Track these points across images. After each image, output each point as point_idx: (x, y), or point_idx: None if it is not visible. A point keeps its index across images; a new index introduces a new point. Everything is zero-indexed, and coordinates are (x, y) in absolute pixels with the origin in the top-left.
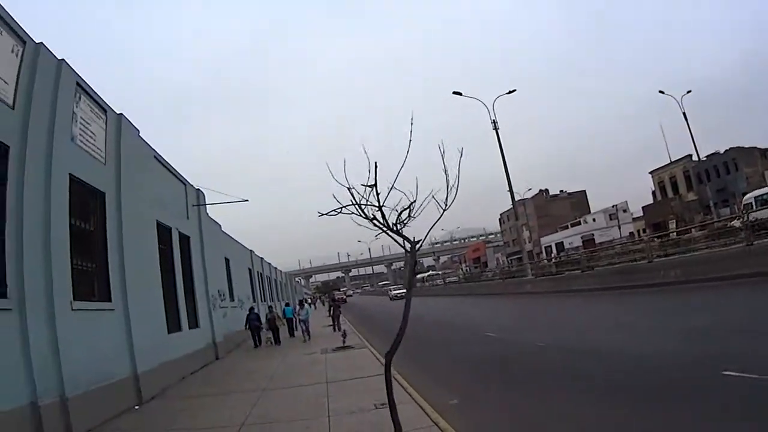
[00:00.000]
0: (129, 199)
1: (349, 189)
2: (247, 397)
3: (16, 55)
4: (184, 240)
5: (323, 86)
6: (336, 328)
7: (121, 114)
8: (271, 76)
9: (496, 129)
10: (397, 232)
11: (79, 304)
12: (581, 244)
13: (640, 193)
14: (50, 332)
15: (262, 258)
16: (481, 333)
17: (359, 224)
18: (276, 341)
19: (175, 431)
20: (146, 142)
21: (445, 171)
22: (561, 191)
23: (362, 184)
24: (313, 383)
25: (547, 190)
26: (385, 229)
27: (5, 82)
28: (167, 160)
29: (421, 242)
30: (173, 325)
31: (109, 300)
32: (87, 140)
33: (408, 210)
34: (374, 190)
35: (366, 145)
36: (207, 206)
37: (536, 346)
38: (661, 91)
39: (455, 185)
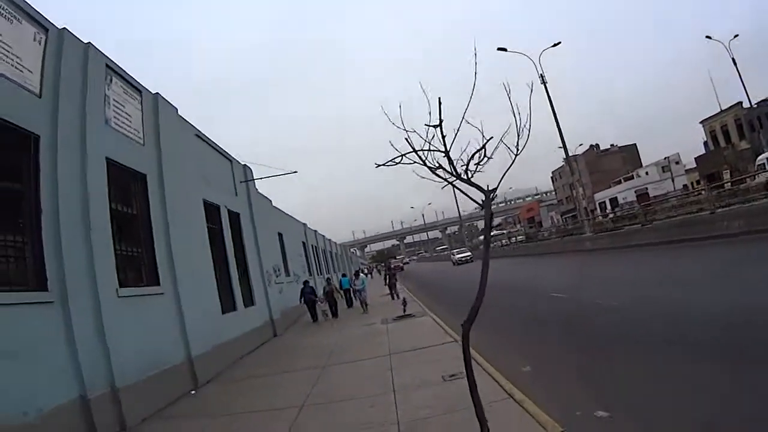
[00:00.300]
0: (172, 179)
1: (407, 134)
2: (307, 375)
3: (39, 43)
4: (234, 217)
5: (380, 55)
6: (394, 296)
7: (157, 93)
8: (326, 48)
9: (544, 83)
10: (468, 181)
11: (125, 290)
12: (635, 198)
13: (691, 145)
14: (96, 322)
15: (315, 231)
16: (546, 294)
17: (422, 177)
18: (334, 314)
19: (232, 415)
20: (186, 121)
21: (513, 112)
22: (611, 146)
23: (425, 124)
24: (375, 356)
25: (597, 145)
26: (453, 178)
27: (30, 71)
28: (211, 138)
29: (495, 191)
30: (228, 305)
31: (158, 284)
32: (122, 122)
33: (482, 151)
34: (439, 130)
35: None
36: (255, 182)
37: (606, 305)
38: (708, 37)
39: (527, 125)
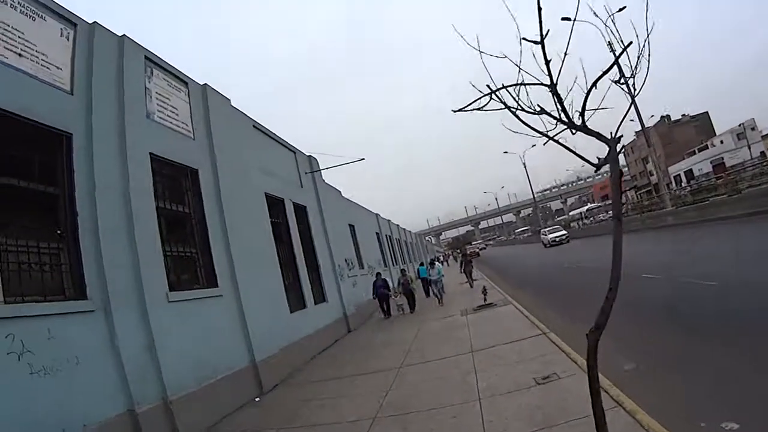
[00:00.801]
0: (227, 173)
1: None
2: (380, 379)
3: (67, 39)
4: (300, 210)
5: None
6: (471, 283)
7: (206, 84)
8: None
9: (613, 51)
10: (584, 128)
11: (176, 294)
12: (711, 169)
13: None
14: (144, 330)
15: (388, 220)
16: (636, 274)
17: (514, 132)
18: (412, 308)
19: (296, 429)
20: (242, 112)
21: (622, 44)
22: (683, 115)
23: (523, 38)
24: (456, 354)
25: (668, 116)
26: (562, 125)
27: (59, 68)
28: (271, 130)
29: (620, 140)
30: (296, 303)
31: (215, 285)
32: (168, 116)
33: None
34: (541, 49)
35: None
36: (322, 172)
37: (706, 285)
38: None
39: (647, 54)
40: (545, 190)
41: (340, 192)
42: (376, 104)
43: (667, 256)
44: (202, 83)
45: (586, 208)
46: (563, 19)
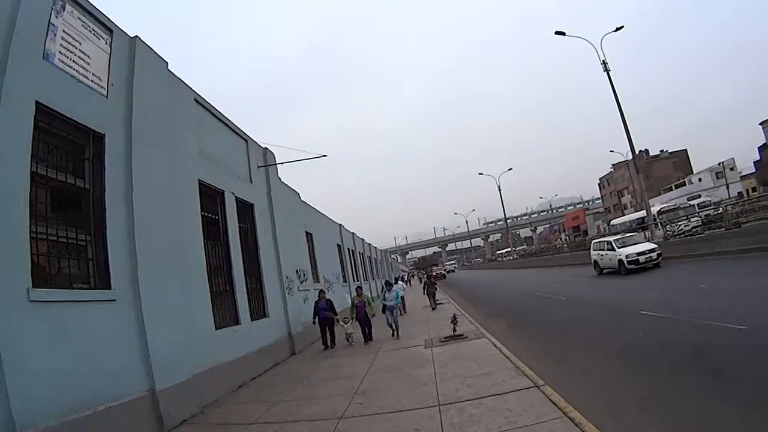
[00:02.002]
0: (146, 146)
1: None
2: None
3: None
4: (246, 208)
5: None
6: (433, 306)
7: (137, 37)
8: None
9: (607, 70)
10: None
11: (45, 293)
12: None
13: (742, 151)
14: None
15: (353, 233)
16: (634, 311)
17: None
18: (367, 337)
19: None
20: (182, 81)
21: None
22: (661, 151)
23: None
24: (418, 407)
25: (647, 151)
26: None
27: None
28: (222, 112)
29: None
30: (225, 317)
31: (108, 286)
32: (75, 62)
33: None
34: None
35: None
36: (279, 170)
37: (730, 328)
38: None
39: None
40: (516, 217)
41: (298, 195)
42: (350, 120)
43: (665, 292)
44: (133, 35)
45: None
46: (557, 32)
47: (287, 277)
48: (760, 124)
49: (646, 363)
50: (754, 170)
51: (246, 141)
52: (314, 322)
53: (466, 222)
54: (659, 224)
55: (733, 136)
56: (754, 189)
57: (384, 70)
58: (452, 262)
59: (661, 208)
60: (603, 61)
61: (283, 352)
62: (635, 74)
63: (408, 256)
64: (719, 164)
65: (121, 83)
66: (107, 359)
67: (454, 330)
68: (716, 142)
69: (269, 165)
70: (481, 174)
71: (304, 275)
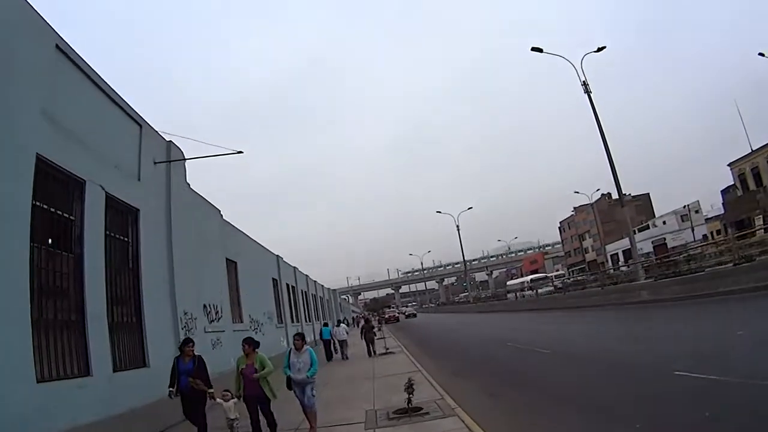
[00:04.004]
0: None
1: None
2: None
3: None
4: (125, 212)
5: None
6: (372, 352)
7: None
8: (329, 93)
9: (588, 92)
10: None
11: None
12: (652, 249)
13: (706, 193)
14: None
15: (295, 267)
16: (665, 372)
17: None
18: (270, 425)
19: None
20: (35, 11)
21: None
22: (624, 194)
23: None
24: None
25: (609, 194)
26: None
27: None
28: (105, 80)
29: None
30: (65, 363)
31: None
32: None
33: None
34: None
35: None
36: (186, 171)
37: None
38: (761, 54)
39: None
40: (472, 260)
41: (219, 212)
42: (303, 159)
43: (693, 342)
44: None
45: (529, 278)
46: (533, 49)
47: (186, 313)
48: (728, 165)
49: None
50: (722, 211)
51: (140, 126)
52: (172, 395)
53: (421, 263)
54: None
55: (694, 180)
56: (719, 232)
57: (343, 110)
58: (413, 304)
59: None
60: (583, 82)
61: (166, 417)
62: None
63: (360, 297)
64: (684, 207)
65: None
66: None
67: (409, 399)
68: (675, 186)
69: (171, 161)
70: (440, 212)
71: (217, 312)
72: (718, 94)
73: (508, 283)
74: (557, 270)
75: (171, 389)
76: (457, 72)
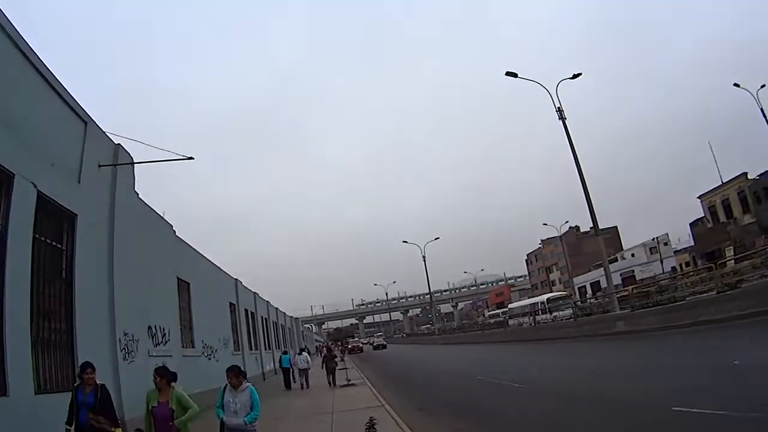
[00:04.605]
0: None
1: None
2: None
3: None
4: (60, 216)
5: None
6: (331, 383)
7: None
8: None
9: (562, 118)
10: None
11: None
12: (620, 281)
13: (670, 226)
14: None
15: (255, 293)
16: (662, 408)
17: None
18: None
19: None
20: None
21: None
22: (591, 227)
23: None
24: None
25: (578, 227)
26: None
27: None
28: (48, 67)
29: None
30: None
31: None
32: None
33: None
34: None
35: None
36: (135, 180)
37: None
38: (736, 84)
39: None
40: (437, 292)
41: (171, 228)
42: (270, 185)
43: (687, 373)
44: None
45: (546, 297)
46: (507, 73)
47: (126, 334)
48: (698, 197)
49: None
50: (691, 244)
51: (84, 123)
52: None
53: (386, 294)
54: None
55: (660, 213)
56: (687, 263)
57: (312, 136)
58: (380, 334)
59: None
60: (558, 108)
61: None
62: (561, 157)
63: (324, 326)
64: (653, 239)
65: None
66: None
67: None
68: (641, 219)
69: (118, 165)
70: (406, 242)
71: (165, 335)
72: (676, 130)
73: (510, 306)
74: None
75: (68, 427)
76: (422, 102)
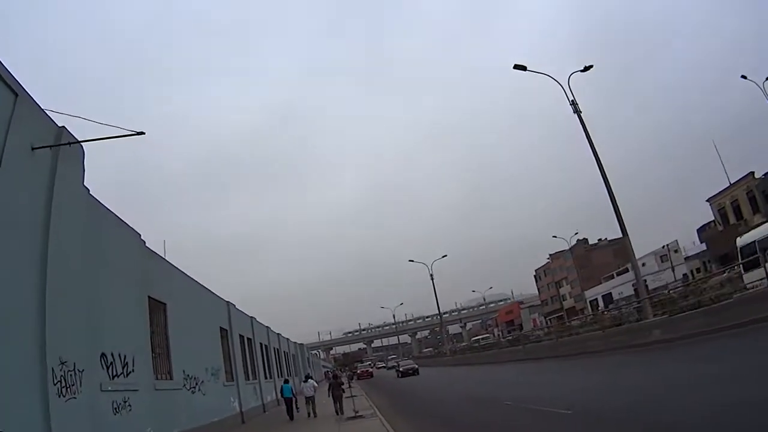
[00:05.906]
0: None
1: None
2: None
3: None
4: None
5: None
6: (339, 411)
7: None
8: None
9: (577, 112)
10: None
11: None
12: (633, 292)
13: (678, 233)
14: None
15: (252, 317)
16: None
17: None
18: None
19: None
20: None
21: None
22: (600, 239)
23: None
24: None
25: (586, 240)
26: None
27: None
28: None
29: None
30: None
31: None
32: None
33: None
34: None
35: None
36: (85, 170)
37: None
38: (743, 76)
39: None
40: (446, 313)
41: (139, 236)
42: (275, 211)
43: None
44: None
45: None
46: (516, 66)
47: (64, 362)
48: (707, 200)
49: None
50: (700, 249)
51: (15, 95)
52: None
53: (394, 316)
54: None
55: (666, 220)
56: (698, 270)
57: (315, 164)
58: (393, 356)
59: None
60: (572, 101)
61: None
62: (566, 168)
63: (332, 352)
64: (663, 247)
65: None
66: None
67: None
68: (648, 228)
69: (55, 145)
70: (413, 261)
71: (126, 364)
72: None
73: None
74: (534, 319)
75: None
76: (428, 122)
